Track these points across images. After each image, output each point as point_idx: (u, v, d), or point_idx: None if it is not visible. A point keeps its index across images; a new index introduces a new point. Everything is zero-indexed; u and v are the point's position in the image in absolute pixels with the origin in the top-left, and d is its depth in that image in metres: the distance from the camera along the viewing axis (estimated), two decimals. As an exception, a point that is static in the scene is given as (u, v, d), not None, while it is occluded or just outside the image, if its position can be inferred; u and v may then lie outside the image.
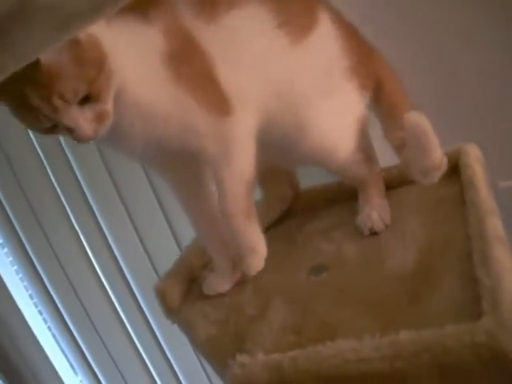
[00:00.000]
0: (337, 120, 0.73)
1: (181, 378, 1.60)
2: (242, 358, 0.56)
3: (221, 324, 0.68)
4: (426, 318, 0.52)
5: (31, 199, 1.48)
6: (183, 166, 0.72)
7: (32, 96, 0.57)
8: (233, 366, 0.55)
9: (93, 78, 0.59)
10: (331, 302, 0.63)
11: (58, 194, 1.49)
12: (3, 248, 1.61)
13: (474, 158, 0.74)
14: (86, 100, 0.59)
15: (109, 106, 0.61)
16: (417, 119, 0.68)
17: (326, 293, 0.65)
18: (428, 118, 0.69)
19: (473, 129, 1.11)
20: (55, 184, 1.48)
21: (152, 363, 1.61)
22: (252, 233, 0.69)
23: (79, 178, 1.46)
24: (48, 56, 0.55)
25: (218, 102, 0.65)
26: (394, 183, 0.82)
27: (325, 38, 0.72)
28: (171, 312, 0.76)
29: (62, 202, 1.49)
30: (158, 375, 1.62)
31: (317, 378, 0.52)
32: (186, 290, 0.79)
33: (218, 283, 0.75)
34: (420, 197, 0.76)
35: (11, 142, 1.44)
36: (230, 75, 0.65)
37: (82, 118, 0.59)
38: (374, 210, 0.74)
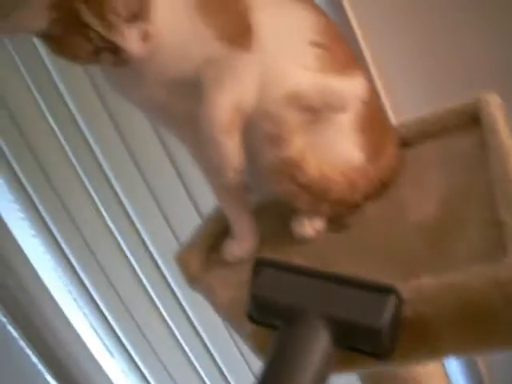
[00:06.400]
0: None
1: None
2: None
3: (241, 286, 0.67)
4: (450, 264, 0.51)
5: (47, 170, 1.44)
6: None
7: (84, 11, 0.56)
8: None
9: None
10: (355, 258, 0.61)
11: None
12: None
13: (495, 106, 0.71)
14: (135, 18, 0.59)
15: (153, 26, 0.60)
16: None
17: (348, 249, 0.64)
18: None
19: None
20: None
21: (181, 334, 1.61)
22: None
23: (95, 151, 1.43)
24: None
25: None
26: (414, 139, 0.79)
27: None
28: (193, 280, 0.76)
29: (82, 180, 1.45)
30: (191, 350, 1.62)
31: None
32: (207, 258, 0.79)
33: (237, 248, 0.74)
34: (441, 150, 0.73)
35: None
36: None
37: (131, 36, 0.59)
38: None
